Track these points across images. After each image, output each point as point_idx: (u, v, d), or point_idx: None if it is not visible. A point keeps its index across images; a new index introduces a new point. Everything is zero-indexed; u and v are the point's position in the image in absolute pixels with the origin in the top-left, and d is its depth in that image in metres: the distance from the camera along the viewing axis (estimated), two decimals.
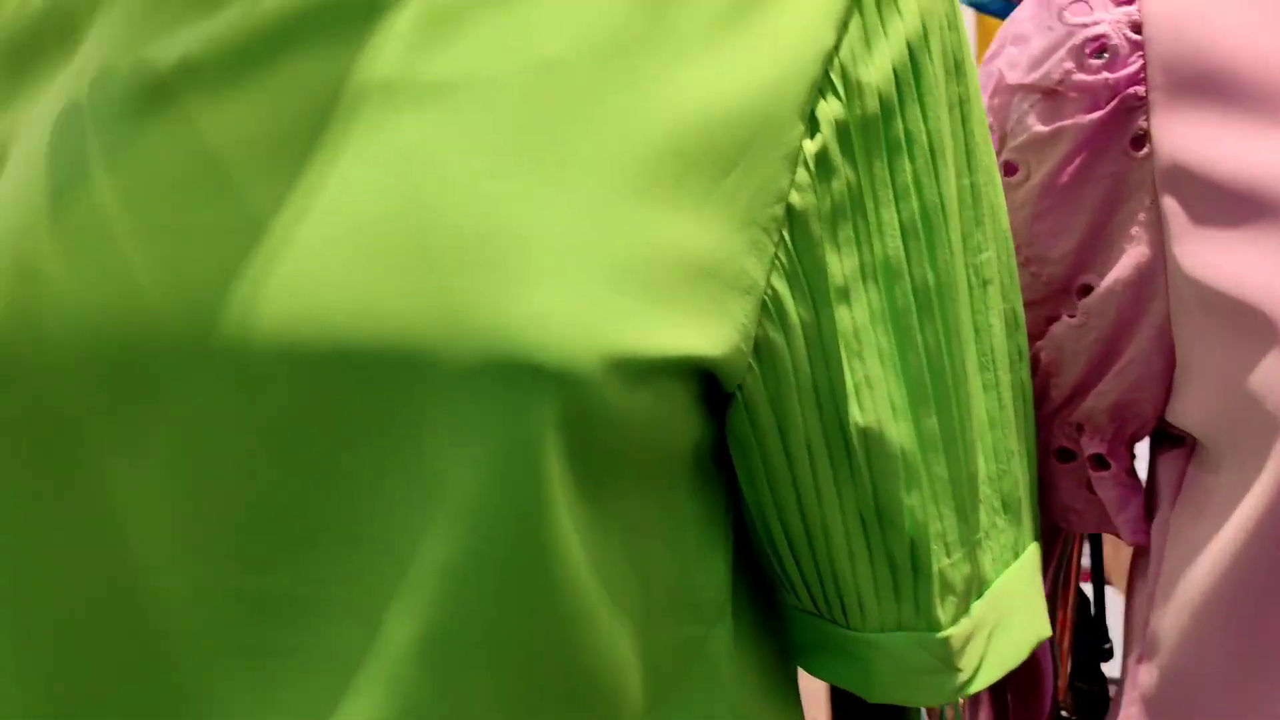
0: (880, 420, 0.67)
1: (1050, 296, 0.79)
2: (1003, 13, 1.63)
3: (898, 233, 0.66)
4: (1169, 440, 0.80)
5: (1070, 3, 0.77)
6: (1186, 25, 0.74)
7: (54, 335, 0.63)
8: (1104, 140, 0.76)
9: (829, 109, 0.64)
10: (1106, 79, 0.75)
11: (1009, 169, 0.79)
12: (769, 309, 0.64)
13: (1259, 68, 0.73)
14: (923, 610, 0.70)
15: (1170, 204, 0.74)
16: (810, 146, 0.64)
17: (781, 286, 0.64)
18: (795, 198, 0.63)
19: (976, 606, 0.72)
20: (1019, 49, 0.79)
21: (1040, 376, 0.80)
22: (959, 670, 0.72)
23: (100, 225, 0.63)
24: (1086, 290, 0.78)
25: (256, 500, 0.62)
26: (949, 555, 0.70)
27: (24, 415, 0.64)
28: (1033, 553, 0.77)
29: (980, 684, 0.73)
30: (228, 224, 0.62)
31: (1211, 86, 0.73)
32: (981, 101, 0.72)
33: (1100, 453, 0.80)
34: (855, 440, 0.67)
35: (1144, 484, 0.82)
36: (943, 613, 0.70)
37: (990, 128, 0.76)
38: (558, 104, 0.62)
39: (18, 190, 0.65)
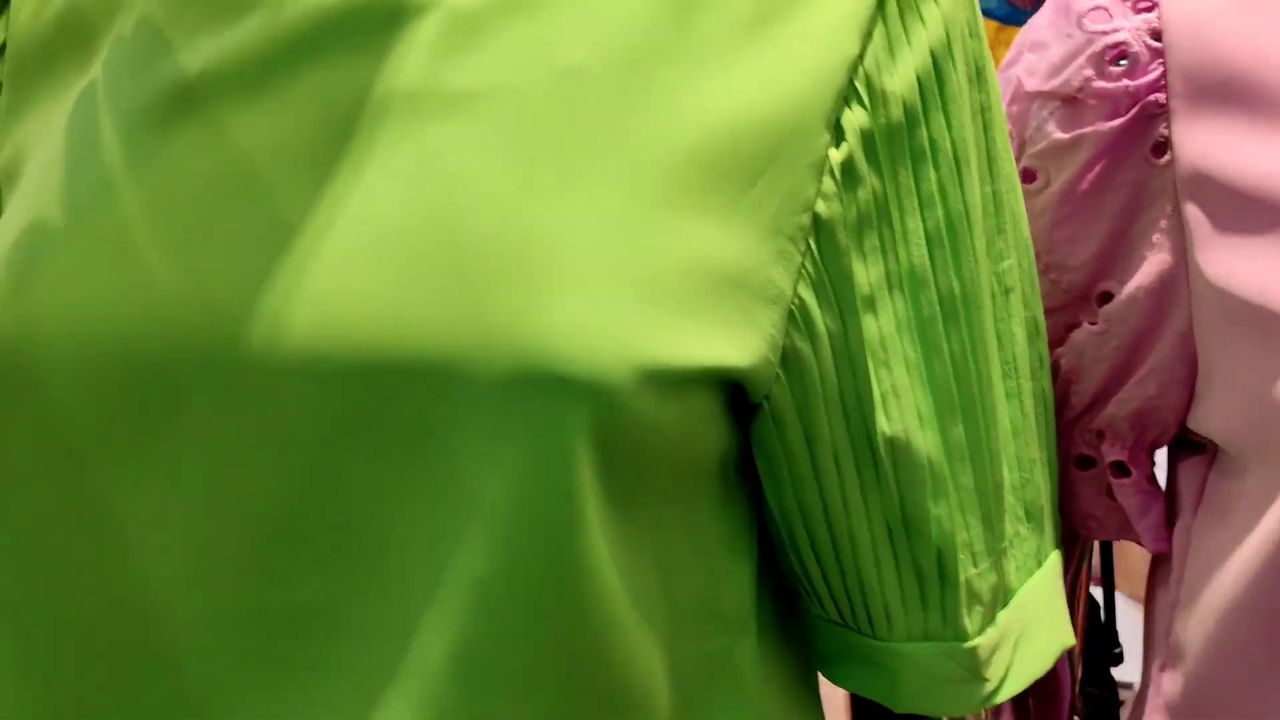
0: (907, 430, 0.67)
1: (1070, 303, 0.79)
2: (1008, 18, 1.63)
3: (923, 241, 0.66)
4: (1190, 447, 0.80)
5: (1089, 10, 0.76)
6: (1207, 32, 0.74)
7: (71, 345, 0.62)
8: (1124, 147, 0.75)
9: (854, 118, 0.64)
10: (1127, 86, 0.75)
11: (1028, 176, 0.78)
12: (796, 318, 0.64)
13: None
14: (950, 620, 0.70)
15: (1192, 211, 0.74)
16: (836, 155, 0.63)
17: (808, 296, 0.64)
18: (821, 207, 0.63)
19: (1002, 616, 0.72)
20: (1037, 56, 0.78)
21: (1060, 384, 0.80)
22: (986, 680, 0.71)
23: (123, 235, 0.62)
24: (1107, 297, 0.78)
25: (281, 514, 0.62)
26: (975, 565, 0.70)
27: (37, 424, 0.64)
28: (1054, 561, 0.77)
29: (1006, 693, 0.73)
30: (253, 234, 0.61)
31: (1232, 93, 0.73)
32: (1002, 109, 0.72)
33: (1121, 460, 0.80)
34: (882, 450, 0.66)
35: (1164, 491, 0.82)
36: (970, 622, 0.70)
37: (1009, 135, 0.76)
38: (583, 114, 0.61)
39: (37, 200, 0.65)
